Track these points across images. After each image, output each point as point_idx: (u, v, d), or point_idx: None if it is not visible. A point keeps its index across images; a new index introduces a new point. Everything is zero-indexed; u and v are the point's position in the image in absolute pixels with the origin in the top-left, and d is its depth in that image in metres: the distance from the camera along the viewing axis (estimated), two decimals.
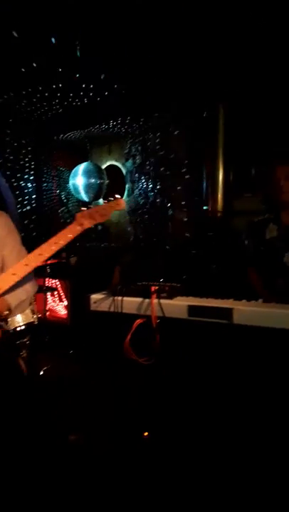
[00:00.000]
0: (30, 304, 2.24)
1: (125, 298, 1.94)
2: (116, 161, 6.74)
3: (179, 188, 5.28)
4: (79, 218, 1.86)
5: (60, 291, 4.95)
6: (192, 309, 1.81)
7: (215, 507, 1.78)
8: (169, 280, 2.05)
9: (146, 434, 2.16)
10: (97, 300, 2.01)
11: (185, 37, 3.59)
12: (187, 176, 5.17)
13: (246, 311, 1.71)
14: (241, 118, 4.46)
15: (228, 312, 1.72)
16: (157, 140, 5.63)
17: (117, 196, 1.97)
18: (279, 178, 2.30)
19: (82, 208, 1.89)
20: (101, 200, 6.62)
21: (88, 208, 1.91)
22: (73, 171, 6.52)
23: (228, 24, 3.38)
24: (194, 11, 3.21)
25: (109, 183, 6.65)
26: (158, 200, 5.61)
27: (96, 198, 6.55)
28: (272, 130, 4.32)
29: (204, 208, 4.70)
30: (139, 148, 6.09)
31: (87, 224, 1.86)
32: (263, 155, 4.53)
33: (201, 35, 3.54)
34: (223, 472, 1.86)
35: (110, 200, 1.95)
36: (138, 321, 1.90)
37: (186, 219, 5.27)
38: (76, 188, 6.49)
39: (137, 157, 6.14)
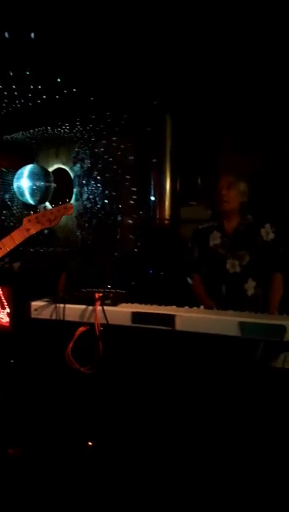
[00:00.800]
0: None
1: (68, 305, 1.90)
2: (63, 164, 6.63)
3: (127, 194, 5.30)
4: (26, 223, 1.79)
5: (2, 298, 4.76)
6: (136, 316, 1.81)
7: None
8: (117, 287, 2.03)
9: (90, 443, 2.11)
10: (38, 307, 1.95)
11: (134, 45, 3.62)
12: (135, 183, 5.20)
13: (188, 318, 1.74)
14: (188, 128, 4.58)
15: (170, 319, 1.74)
16: (106, 146, 5.62)
17: (67, 200, 1.93)
18: (222, 187, 2.37)
19: (30, 212, 1.83)
20: (48, 204, 6.47)
21: (36, 212, 1.85)
22: (18, 172, 6.32)
23: (174, 36, 3.46)
24: (141, 21, 3.25)
25: (56, 187, 6.52)
26: (106, 206, 5.59)
27: (42, 201, 6.40)
28: (218, 139, 4.48)
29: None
30: (88, 152, 6.05)
31: (34, 229, 1.80)
32: (208, 164, 4.68)
33: (149, 44, 3.59)
34: (165, 477, 1.86)
35: (59, 204, 1.90)
36: (81, 329, 1.87)
37: (134, 226, 5.29)
38: (21, 191, 6.29)
39: (86, 161, 6.09)
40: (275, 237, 2.35)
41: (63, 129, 5.82)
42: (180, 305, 1.90)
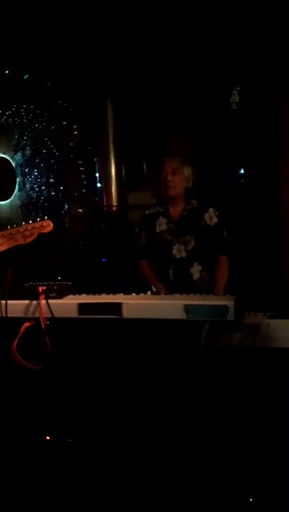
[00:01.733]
0: None
1: (10, 301, 1.83)
2: (4, 153, 6.33)
3: (72, 182, 5.18)
4: None
5: None
6: (82, 307, 1.78)
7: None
8: (66, 278, 1.99)
9: (48, 438, 2.08)
10: None
11: (72, 28, 3.51)
12: (80, 171, 5.09)
13: (135, 305, 1.73)
14: (130, 112, 4.52)
15: (117, 307, 1.73)
16: (48, 133, 5.43)
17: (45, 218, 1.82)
18: (166, 173, 2.38)
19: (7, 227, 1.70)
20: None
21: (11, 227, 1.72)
22: None
23: (112, 17, 3.38)
24: (76, 2, 3.14)
25: None
26: (52, 195, 5.43)
27: None
28: (161, 123, 4.46)
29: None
30: (29, 140, 5.81)
31: (7, 245, 1.68)
32: (152, 149, 4.66)
33: (91, 30, 3.50)
34: (123, 470, 1.87)
35: (37, 221, 1.79)
36: (26, 325, 1.81)
37: (81, 214, 5.20)
38: None
39: (27, 149, 5.85)
40: (218, 221, 2.40)
41: (2, 117, 5.53)
42: (131, 291, 1.89)
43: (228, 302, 1.61)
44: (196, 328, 1.63)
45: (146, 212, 2.54)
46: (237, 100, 3.87)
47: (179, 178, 2.40)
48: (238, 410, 1.79)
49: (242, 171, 3.96)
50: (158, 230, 2.46)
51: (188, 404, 1.77)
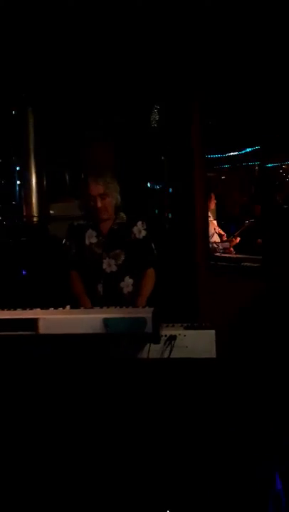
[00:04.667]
0: None
1: None
2: None
3: None
4: None
5: None
6: None
7: None
8: None
9: None
10: None
11: None
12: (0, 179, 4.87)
13: (52, 320, 1.68)
14: (52, 122, 4.45)
15: (32, 322, 1.65)
16: None
17: None
18: (95, 197, 2.31)
19: None
20: None
21: None
22: None
23: (40, 30, 3.32)
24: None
25: None
26: None
27: None
28: (82, 134, 4.45)
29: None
30: None
31: None
32: (73, 159, 4.63)
33: (15, 38, 3.39)
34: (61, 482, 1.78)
35: None
36: None
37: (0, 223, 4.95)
38: None
39: None
40: (147, 234, 2.42)
41: None
42: (54, 305, 1.82)
43: (145, 315, 1.63)
44: (115, 341, 1.63)
45: (75, 223, 2.45)
46: (157, 117, 4.01)
47: (108, 201, 2.35)
48: (157, 419, 1.81)
49: (158, 185, 4.09)
50: (87, 242, 2.39)
51: (107, 417, 1.75)
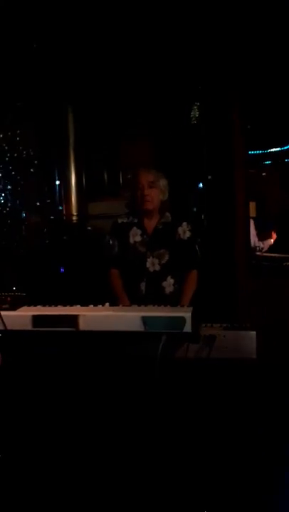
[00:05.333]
0: None
1: None
2: None
3: (30, 189, 5.06)
4: None
5: None
6: (37, 319, 1.71)
7: None
8: (21, 290, 1.91)
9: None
10: None
11: (38, 36, 3.47)
12: (39, 178, 5.00)
13: (92, 317, 1.70)
14: (91, 120, 4.51)
15: (73, 319, 1.68)
16: (6, 139, 5.29)
17: None
18: (143, 186, 2.33)
19: None
20: None
21: None
22: None
23: (79, 28, 3.38)
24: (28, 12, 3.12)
25: None
26: (8, 203, 5.28)
27: None
28: (123, 133, 4.48)
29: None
30: None
31: None
32: (113, 158, 4.66)
33: (54, 36, 3.47)
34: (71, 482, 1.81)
35: None
36: None
37: (39, 222, 5.08)
38: None
39: None
40: (191, 235, 2.41)
41: None
42: (89, 303, 1.84)
43: (185, 314, 1.62)
44: (154, 339, 1.62)
45: (119, 221, 2.46)
46: (196, 114, 3.96)
47: (156, 192, 2.36)
48: (199, 421, 1.79)
49: (200, 185, 4.05)
50: (131, 241, 2.40)
51: (147, 416, 1.74)
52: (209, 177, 3.77)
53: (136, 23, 3.22)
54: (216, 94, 3.48)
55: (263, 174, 6.10)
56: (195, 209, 4.03)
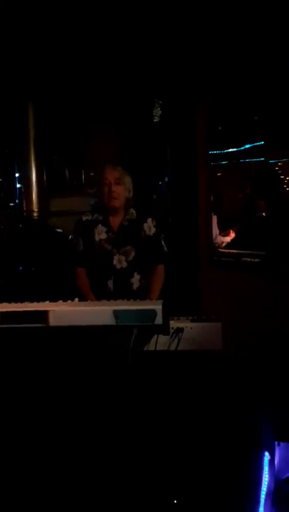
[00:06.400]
0: None
1: None
2: None
3: None
4: None
5: None
6: (4, 316, 1.68)
7: None
8: None
9: None
10: None
11: None
12: None
13: (62, 312, 1.69)
14: (52, 116, 4.44)
15: (43, 315, 1.66)
16: None
17: None
18: (109, 183, 2.32)
19: None
20: None
21: None
22: None
23: (41, 24, 3.30)
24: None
25: None
26: None
27: None
28: (85, 130, 4.44)
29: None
30: None
31: None
32: (75, 154, 4.62)
33: (15, 32, 3.37)
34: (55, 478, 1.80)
35: None
36: None
37: None
38: None
39: None
40: (157, 231, 2.44)
41: None
42: (57, 299, 1.83)
43: (155, 307, 1.65)
44: (126, 332, 1.64)
45: (84, 219, 2.43)
46: (159, 112, 4.01)
47: (122, 189, 2.35)
48: (168, 411, 1.83)
49: (162, 181, 4.11)
50: (97, 238, 2.38)
51: (119, 408, 1.77)
52: (170, 176, 3.83)
53: (101, 20, 3.20)
54: (181, 94, 3.54)
55: (219, 174, 6.27)
56: (159, 206, 4.09)
